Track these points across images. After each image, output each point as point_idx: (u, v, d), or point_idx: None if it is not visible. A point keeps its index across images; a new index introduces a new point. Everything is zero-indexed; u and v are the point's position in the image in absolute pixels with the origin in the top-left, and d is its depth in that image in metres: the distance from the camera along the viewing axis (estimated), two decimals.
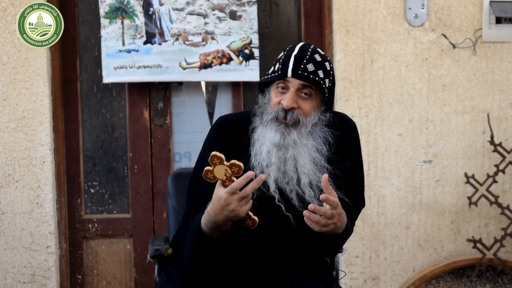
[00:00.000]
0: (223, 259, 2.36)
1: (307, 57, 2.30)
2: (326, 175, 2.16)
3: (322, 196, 2.11)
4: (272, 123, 2.31)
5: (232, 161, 2.13)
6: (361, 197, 2.44)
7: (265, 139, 2.31)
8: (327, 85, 2.32)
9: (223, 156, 2.12)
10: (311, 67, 2.29)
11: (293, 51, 2.33)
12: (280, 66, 2.32)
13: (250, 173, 2.11)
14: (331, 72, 2.35)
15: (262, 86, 2.40)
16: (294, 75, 2.28)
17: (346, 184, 2.35)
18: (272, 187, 2.30)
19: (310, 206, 2.12)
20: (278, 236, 2.33)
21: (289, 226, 2.32)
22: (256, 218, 2.21)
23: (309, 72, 2.29)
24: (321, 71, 2.31)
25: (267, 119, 2.32)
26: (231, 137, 2.38)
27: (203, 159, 2.35)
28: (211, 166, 2.13)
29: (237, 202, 2.14)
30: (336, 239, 2.30)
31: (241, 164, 2.12)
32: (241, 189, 2.15)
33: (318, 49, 2.37)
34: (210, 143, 2.40)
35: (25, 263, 3.62)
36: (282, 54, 2.36)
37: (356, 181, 2.41)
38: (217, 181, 2.17)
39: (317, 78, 2.29)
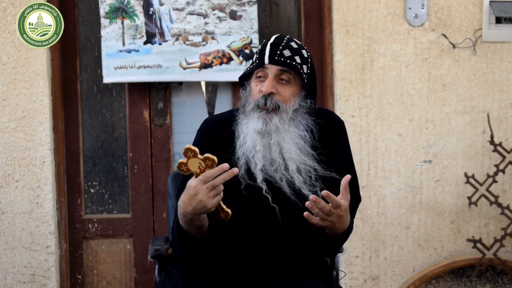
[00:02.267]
0: (216, 255, 2.36)
1: (283, 44, 2.35)
2: (348, 177, 2.19)
3: (323, 192, 2.13)
4: (253, 111, 2.34)
5: (206, 154, 2.14)
6: (356, 194, 2.44)
7: (248, 129, 2.34)
8: (305, 71, 2.35)
9: (197, 150, 2.14)
10: (287, 53, 2.33)
11: (269, 40, 2.39)
12: (257, 56, 2.37)
13: (224, 165, 2.12)
14: (309, 60, 2.39)
15: (243, 80, 2.44)
16: (271, 61, 2.33)
17: (336, 181, 2.35)
18: (259, 178, 2.31)
19: (312, 197, 2.13)
20: (267, 228, 2.33)
21: (277, 217, 2.32)
22: (229, 210, 2.20)
23: (286, 57, 2.33)
24: (297, 57, 2.35)
25: (249, 109, 2.35)
26: (216, 136, 2.41)
27: None
28: (185, 159, 2.14)
29: (206, 193, 2.13)
30: (334, 239, 2.31)
31: (215, 158, 2.13)
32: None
33: (295, 39, 2.42)
34: (197, 145, 2.40)
35: (25, 263, 3.62)
36: (259, 47, 2.41)
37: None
38: (191, 174, 2.17)
39: (294, 63, 2.33)
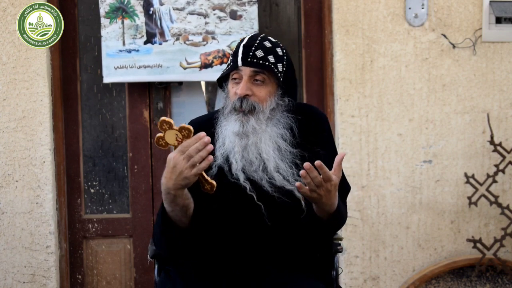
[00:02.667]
0: (210, 254, 2.36)
1: (256, 44, 2.35)
2: (343, 154, 2.22)
3: (317, 162, 2.13)
4: (231, 114, 2.35)
5: (181, 124, 2.15)
6: (345, 182, 2.45)
7: (227, 131, 2.36)
8: (280, 70, 2.36)
9: (172, 121, 2.14)
10: (260, 53, 2.34)
11: (242, 41, 2.39)
12: (232, 58, 2.38)
13: (201, 133, 2.13)
14: (285, 57, 2.39)
15: (222, 82, 2.45)
16: (244, 63, 2.33)
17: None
18: (241, 177, 2.32)
19: (306, 165, 2.13)
20: (256, 226, 2.33)
21: (263, 215, 2.33)
22: (214, 182, 2.19)
23: (259, 58, 2.33)
24: (271, 56, 2.35)
25: (227, 111, 2.37)
26: None
27: None
28: (162, 132, 2.15)
29: (185, 163, 2.13)
30: (324, 224, 2.30)
31: (191, 127, 2.13)
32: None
33: (270, 37, 2.42)
34: None
35: (25, 263, 3.62)
36: (235, 48, 2.41)
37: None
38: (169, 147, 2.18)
39: (267, 63, 2.33)
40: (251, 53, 2.33)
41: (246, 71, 2.33)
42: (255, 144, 2.34)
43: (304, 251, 2.40)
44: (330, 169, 2.25)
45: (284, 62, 2.38)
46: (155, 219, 2.36)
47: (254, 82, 2.35)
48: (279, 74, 2.35)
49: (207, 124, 2.45)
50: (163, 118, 2.14)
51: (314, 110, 2.52)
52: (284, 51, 2.41)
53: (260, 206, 2.31)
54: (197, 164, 2.13)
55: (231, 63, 2.37)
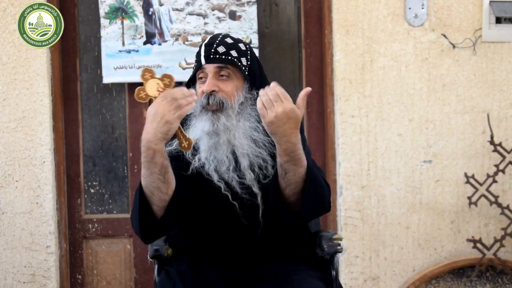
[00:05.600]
0: (204, 254, 2.37)
1: (217, 41, 2.37)
2: (308, 89, 2.23)
3: (273, 83, 2.19)
4: (201, 113, 2.35)
5: (163, 73, 2.17)
6: (317, 167, 2.44)
7: (197, 130, 2.36)
8: (244, 63, 2.37)
9: (154, 71, 2.16)
10: (221, 49, 2.35)
11: (204, 41, 2.41)
12: (196, 59, 2.40)
13: (183, 87, 2.17)
14: (248, 52, 2.40)
15: (192, 86, 2.45)
16: (207, 60, 2.34)
17: None
18: (215, 177, 2.32)
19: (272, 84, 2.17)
20: (235, 224, 2.34)
21: (235, 211, 2.33)
22: (191, 138, 2.21)
23: (221, 54, 2.35)
24: (233, 51, 2.36)
25: (197, 111, 2.36)
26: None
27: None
28: (144, 82, 2.17)
29: (168, 106, 2.15)
30: (303, 188, 2.26)
31: (172, 75, 2.16)
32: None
33: (232, 35, 2.44)
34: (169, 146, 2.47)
35: (25, 263, 3.62)
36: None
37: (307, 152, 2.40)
38: (150, 100, 2.19)
39: (229, 58, 2.35)
40: (213, 50, 2.35)
41: (210, 68, 2.35)
42: (227, 142, 2.33)
43: (290, 245, 2.40)
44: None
45: (248, 57, 2.40)
46: (134, 197, 2.36)
47: (220, 78, 2.35)
48: (243, 68, 2.36)
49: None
50: (144, 67, 2.17)
51: None
52: (247, 46, 2.42)
53: (235, 205, 2.32)
54: (181, 108, 2.16)
55: (195, 63, 2.39)
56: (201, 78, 2.38)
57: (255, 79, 2.40)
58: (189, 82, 2.45)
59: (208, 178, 2.33)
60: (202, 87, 2.35)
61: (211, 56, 2.34)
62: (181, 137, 2.21)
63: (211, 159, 2.33)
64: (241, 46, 2.40)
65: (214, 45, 2.36)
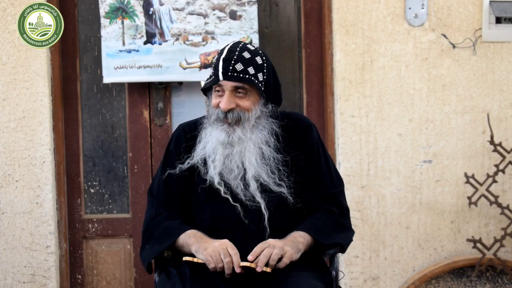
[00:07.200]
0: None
1: (235, 57, 2.38)
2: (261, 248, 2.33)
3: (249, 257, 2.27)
4: (216, 123, 2.42)
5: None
6: (337, 202, 2.52)
7: (212, 137, 2.43)
8: (260, 79, 2.40)
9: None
10: (239, 67, 2.37)
11: (222, 54, 2.42)
12: (213, 71, 2.42)
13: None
14: (265, 64, 2.43)
15: (205, 90, 2.50)
16: (225, 77, 2.37)
17: (307, 184, 2.45)
18: (216, 179, 2.40)
19: (250, 257, 2.26)
20: (232, 227, 2.41)
21: (240, 216, 2.41)
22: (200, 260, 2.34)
23: (239, 72, 2.37)
24: (251, 67, 2.38)
25: (212, 120, 2.43)
26: (186, 140, 2.51)
27: (165, 164, 2.51)
28: None
29: (223, 254, 2.28)
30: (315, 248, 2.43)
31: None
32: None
33: (248, 45, 2.45)
34: (169, 149, 2.55)
35: (25, 263, 3.62)
36: (215, 57, 2.45)
37: (320, 179, 2.48)
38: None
39: (247, 76, 2.37)
40: (231, 67, 2.37)
41: (227, 86, 2.38)
42: (239, 153, 2.41)
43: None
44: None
45: (265, 70, 2.42)
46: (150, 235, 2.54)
47: (237, 94, 2.40)
48: (259, 85, 2.39)
49: (192, 127, 2.53)
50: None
51: (300, 117, 2.58)
52: (264, 58, 2.44)
53: (236, 206, 2.40)
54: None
55: (213, 76, 2.41)
56: (218, 90, 2.41)
57: (270, 91, 2.44)
58: (205, 89, 2.48)
59: (205, 178, 2.42)
60: (218, 99, 2.40)
61: (229, 74, 2.37)
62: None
63: (219, 165, 2.41)
64: (258, 60, 2.41)
65: (232, 62, 2.37)
